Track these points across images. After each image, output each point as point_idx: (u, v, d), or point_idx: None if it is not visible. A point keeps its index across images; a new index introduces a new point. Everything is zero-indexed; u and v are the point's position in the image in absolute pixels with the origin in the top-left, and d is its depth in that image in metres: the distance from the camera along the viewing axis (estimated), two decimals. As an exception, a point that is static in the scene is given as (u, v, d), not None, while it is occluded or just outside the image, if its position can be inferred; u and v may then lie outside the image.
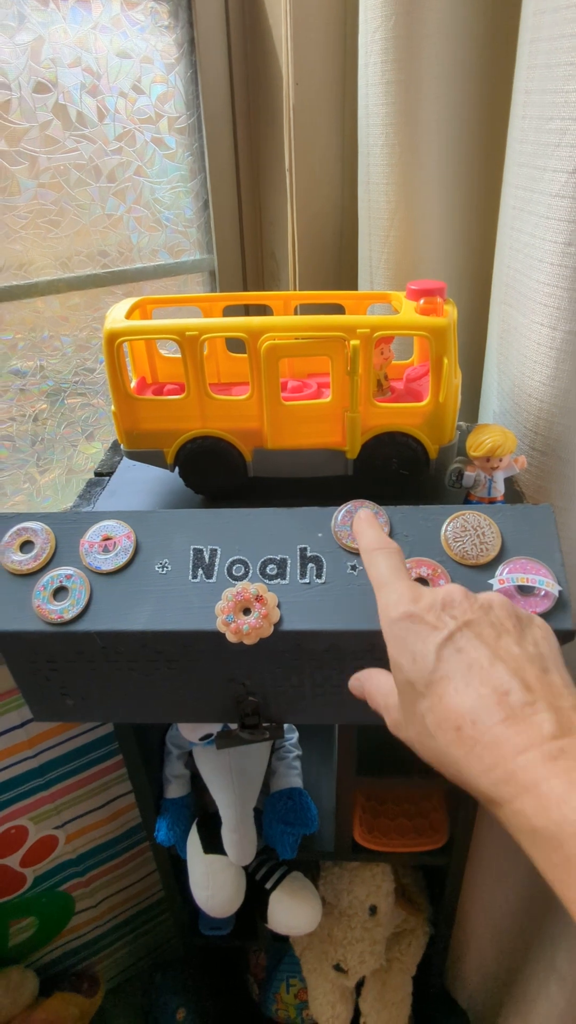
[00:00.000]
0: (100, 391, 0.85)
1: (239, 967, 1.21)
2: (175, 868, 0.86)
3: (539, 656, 0.32)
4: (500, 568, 0.47)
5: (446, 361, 0.51)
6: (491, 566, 0.48)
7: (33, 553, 0.51)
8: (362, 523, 0.45)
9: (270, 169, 0.77)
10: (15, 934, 1.07)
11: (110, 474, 0.66)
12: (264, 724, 0.55)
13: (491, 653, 0.31)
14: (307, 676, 0.53)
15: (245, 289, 0.86)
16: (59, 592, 0.50)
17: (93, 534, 0.52)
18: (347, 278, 0.78)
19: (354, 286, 0.75)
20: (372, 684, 0.40)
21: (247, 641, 0.47)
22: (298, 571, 0.49)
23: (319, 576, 0.49)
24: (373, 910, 0.85)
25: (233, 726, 0.61)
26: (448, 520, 0.50)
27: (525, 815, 0.27)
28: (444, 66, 0.60)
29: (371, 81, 0.61)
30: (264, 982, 1.15)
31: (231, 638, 0.47)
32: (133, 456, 0.59)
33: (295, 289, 0.77)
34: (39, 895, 1.06)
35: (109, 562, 0.50)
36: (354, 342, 0.51)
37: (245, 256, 0.84)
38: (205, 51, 0.71)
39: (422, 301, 0.52)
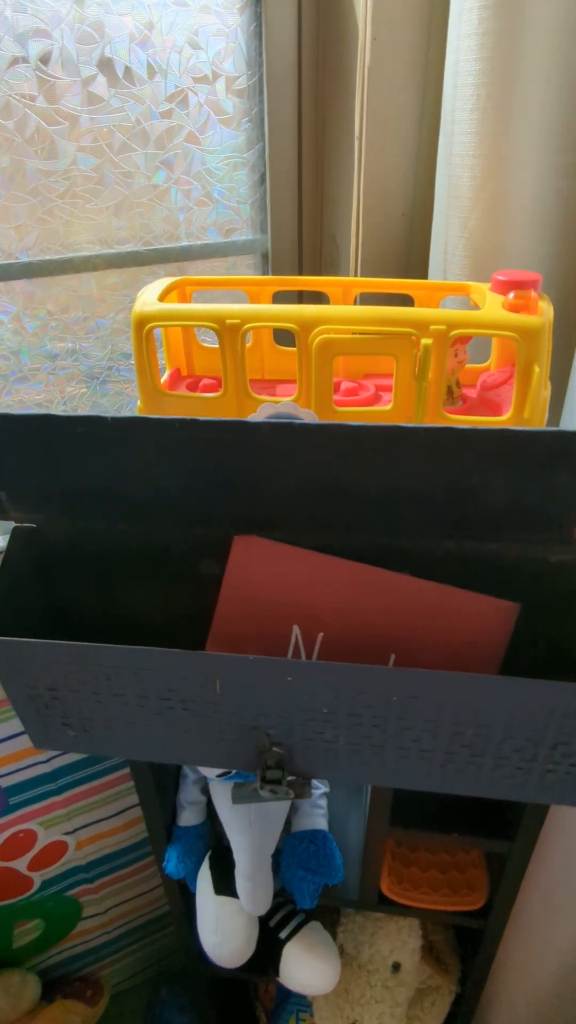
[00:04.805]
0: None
1: (248, 991, 1.15)
2: (185, 896, 0.80)
3: None
4: None
5: (537, 369, 0.42)
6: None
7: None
8: None
9: (336, 141, 0.68)
10: (20, 936, 1.04)
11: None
12: (288, 779, 0.48)
13: None
14: (342, 731, 0.46)
15: (300, 275, 0.77)
16: None
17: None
18: (416, 266, 0.69)
19: (423, 275, 0.66)
20: None
21: None
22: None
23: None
24: (396, 967, 0.77)
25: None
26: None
27: None
28: (553, 15, 0.50)
29: (464, 32, 0.51)
30: (273, 1012, 1.09)
31: None
32: (159, 459, 0.52)
33: (355, 276, 0.69)
34: (46, 899, 1.02)
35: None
36: (425, 341, 0.42)
37: (302, 238, 0.76)
38: (272, 0, 0.63)
39: (512, 295, 0.43)
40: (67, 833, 0.98)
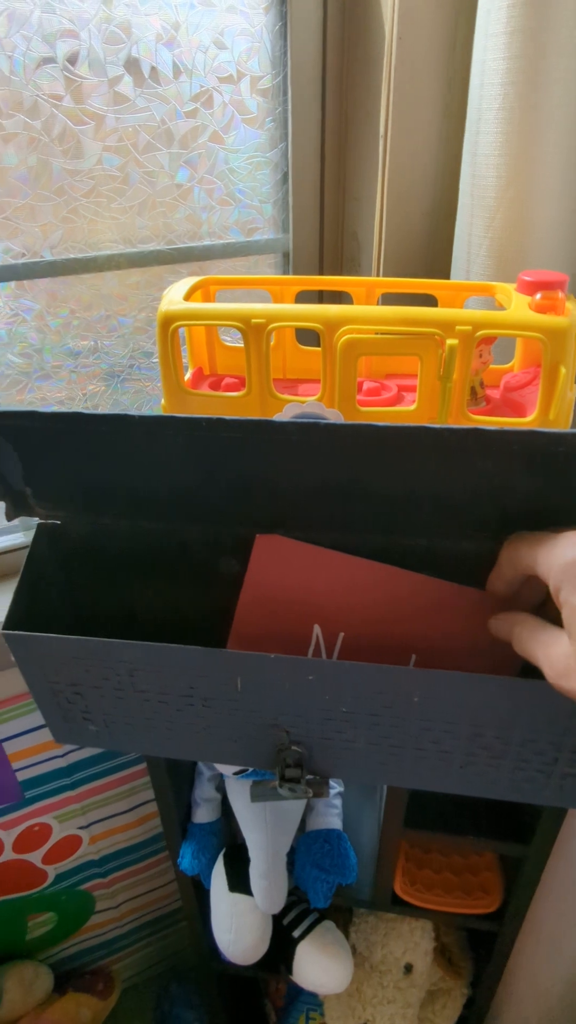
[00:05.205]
0: (157, 376, 0.79)
1: (258, 989, 1.15)
2: (199, 892, 0.81)
3: None
4: None
5: (563, 370, 0.42)
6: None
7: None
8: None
9: (359, 139, 0.68)
10: (33, 928, 1.05)
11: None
12: (307, 777, 0.48)
13: None
14: (362, 731, 0.46)
15: (321, 274, 0.77)
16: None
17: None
18: (438, 265, 0.69)
19: (445, 275, 0.66)
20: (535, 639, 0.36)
21: None
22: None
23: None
24: (408, 969, 0.77)
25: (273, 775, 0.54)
26: None
27: None
28: (583, 13, 0.50)
29: (491, 30, 0.51)
30: (282, 1010, 1.09)
31: None
32: (182, 457, 0.52)
33: (377, 275, 0.69)
34: (59, 892, 1.03)
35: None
36: (451, 341, 0.42)
37: (323, 237, 0.76)
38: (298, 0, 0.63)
39: (538, 296, 0.43)
40: (81, 827, 0.99)
